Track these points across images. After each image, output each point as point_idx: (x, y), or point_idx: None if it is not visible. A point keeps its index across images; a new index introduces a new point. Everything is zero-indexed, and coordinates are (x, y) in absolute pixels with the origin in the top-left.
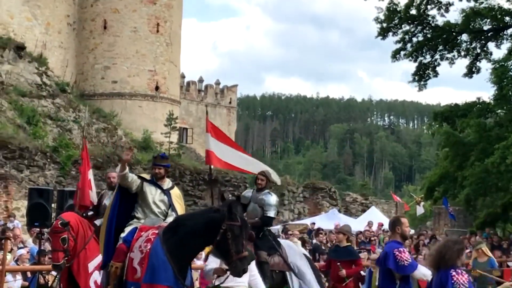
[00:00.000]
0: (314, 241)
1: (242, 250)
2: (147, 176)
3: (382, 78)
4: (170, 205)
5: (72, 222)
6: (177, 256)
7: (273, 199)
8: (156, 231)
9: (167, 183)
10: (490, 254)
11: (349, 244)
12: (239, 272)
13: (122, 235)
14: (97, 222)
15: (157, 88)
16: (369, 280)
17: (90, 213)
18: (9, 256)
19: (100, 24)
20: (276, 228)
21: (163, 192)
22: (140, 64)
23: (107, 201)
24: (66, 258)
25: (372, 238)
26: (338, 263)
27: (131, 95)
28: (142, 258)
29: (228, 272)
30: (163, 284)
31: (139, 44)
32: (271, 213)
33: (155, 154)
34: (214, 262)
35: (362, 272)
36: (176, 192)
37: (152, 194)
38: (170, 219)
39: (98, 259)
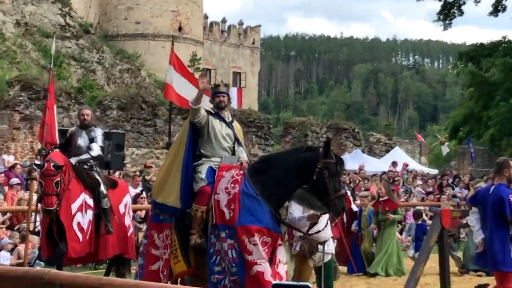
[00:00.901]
0: None
1: (339, 188)
2: (209, 109)
3: (406, 18)
4: (236, 139)
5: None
6: (270, 199)
7: None
8: (240, 171)
9: (227, 115)
10: None
11: None
12: (338, 210)
13: (201, 175)
14: (72, 160)
15: (180, 29)
16: (359, 218)
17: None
18: (35, 196)
19: None
20: None
21: (227, 125)
22: (163, 5)
23: (81, 141)
24: (58, 202)
25: (396, 179)
26: None
27: (154, 36)
28: (229, 200)
29: (320, 219)
30: (262, 226)
31: None
32: None
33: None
34: (297, 210)
35: (353, 207)
36: (237, 126)
37: (218, 127)
38: (243, 155)
39: (81, 199)
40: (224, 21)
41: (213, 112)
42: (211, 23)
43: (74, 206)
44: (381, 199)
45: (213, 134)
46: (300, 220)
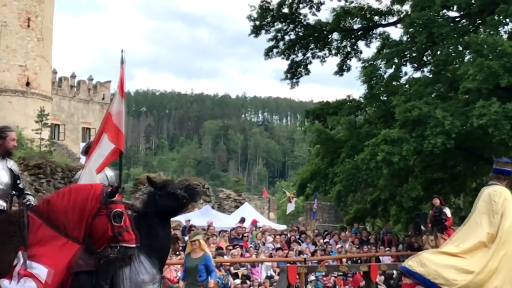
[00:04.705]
0: (187, 238)
1: None
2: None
3: (252, 75)
4: None
5: None
6: None
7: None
8: None
9: None
10: (207, 249)
11: None
12: None
13: None
14: None
15: (28, 83)
16: None
17: None
18: None
19: None
20: None
21: None
22: (10, 59)
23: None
24: None
25: (245, 235)
26: None
27: (0, 90)
28: None
29: None
30: None
31: (9, 39)
32: None
33: (502, 160)
34: None
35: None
36: None
37: None
38: None
39: None
40: (73, 76)
41: None
42: (60, 78)
43: None
44: None
45: None
46: None
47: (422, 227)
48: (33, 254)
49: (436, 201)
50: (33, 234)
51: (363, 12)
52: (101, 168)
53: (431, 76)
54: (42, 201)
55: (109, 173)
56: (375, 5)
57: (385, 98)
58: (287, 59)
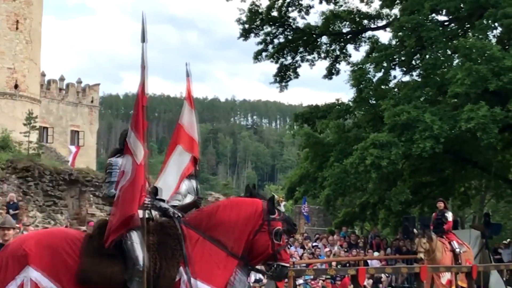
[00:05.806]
0: None
1: None
2: None
3: (241, 79)
4: None
5: None
6: None
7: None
8: None
9: None
10: None
11: None
12: None
13: None
14: None
15: (16, 86)
16: None
17: None
18: None
19: None
20: None
21: None
22: None
23: None
24: None
25: None
26: None
27: None
28: None
29: None
30: None
31: None
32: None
33: None
34: None
35: None
36: None
37: None
38: None
39: None
40: (62, 79)
41: None
42: (49, 81)
43: None
44: None
45: None
46: None
47: (415, 230)
48: (195, 270)
49: (440, 205)
50: (192, 248)
51: (352, 15)
52: (182, 178)
53: (419, 80)
54: (197, 214)
55: (198, 185)
56: (364, 9)
57: (374, 102)
58: (276, 62)
